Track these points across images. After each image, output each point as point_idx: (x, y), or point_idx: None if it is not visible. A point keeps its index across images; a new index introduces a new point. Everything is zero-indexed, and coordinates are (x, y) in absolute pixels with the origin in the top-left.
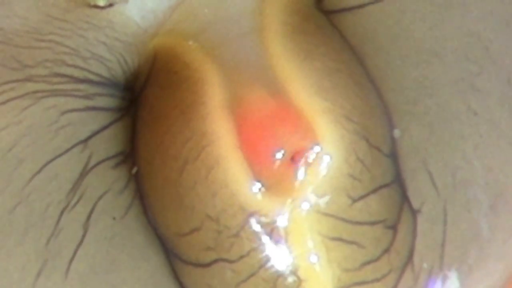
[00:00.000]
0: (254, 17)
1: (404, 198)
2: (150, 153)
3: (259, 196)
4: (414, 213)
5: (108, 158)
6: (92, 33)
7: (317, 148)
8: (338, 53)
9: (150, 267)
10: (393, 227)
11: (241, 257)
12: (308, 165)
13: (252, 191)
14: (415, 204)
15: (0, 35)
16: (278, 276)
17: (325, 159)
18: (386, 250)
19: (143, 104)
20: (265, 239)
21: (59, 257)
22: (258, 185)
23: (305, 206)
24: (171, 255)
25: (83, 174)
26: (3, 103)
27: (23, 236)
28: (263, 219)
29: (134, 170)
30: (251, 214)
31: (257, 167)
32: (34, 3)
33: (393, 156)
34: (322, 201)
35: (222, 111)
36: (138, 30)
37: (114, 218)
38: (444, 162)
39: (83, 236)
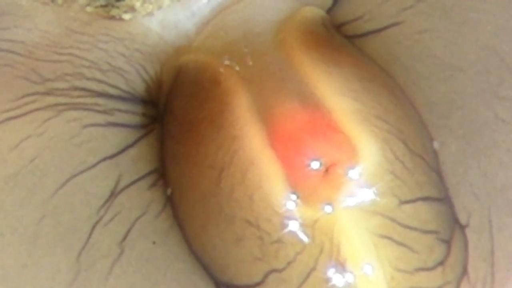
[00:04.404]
0: (278, 35)
1: (454, 216)
2: (185, 167)
3: (295, 203)
4: (463, 228)
5: (140, 178)
6: (112, 45)
7: (353, 156)
8: (368, 66)
9: None
10: (447, 242)
11: (289, 263)
12: (344, 174)
13: (287, 198)
14: (463, 219)
15: (22, 48)
16: (329, 278)
17: (362, 164)
18: (441, 263)
19: (169, 119)
20: (309, 241)
21: (93, 271)
22: (294, 196)
23: (348, 204)
24: (222, 286)
25: (115, 192)
26: (25, 114)
27: (52, 247)
28: (301, 222)
29: (169, 191)
30: (288, 218)
31: (293, 179)
32: (56, 17)
33: (439, 173)
34: (367, 198)
35: (250, 116)
36: (159, 41)
37: (154, 243)
38: (483, 171)
39: (120, 254)
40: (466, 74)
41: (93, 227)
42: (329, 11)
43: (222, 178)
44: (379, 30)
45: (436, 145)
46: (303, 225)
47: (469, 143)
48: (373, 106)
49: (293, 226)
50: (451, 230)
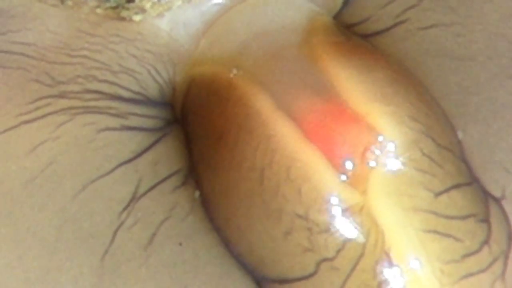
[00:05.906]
0: (297, 33)
1: (485, 193)
2: (221, 171)
3: (344, 188)
4: (498, 201)
5: (161, 181)
6: (123, 46)
7: (382, 138)
8: (396, 65)
9: None
10: (486, 221)
11: (339, 251)
12: (378, 157)
13: (333, 184)
14: (497, 193)
15: (33, 50)
16: (378, 266)
17: (391, 148)
18: (485, 242)
19: (195, 122)
20: (356, 228)
21: (118, 274)
22: (343, 179)
23: (387, 201)
24: (271, 283)
25: (136, 196)
26: (40, 118)
27: (74, 251)
28: (349, 208)
29: (197, 194)
30: (336, 205)
31: (338, 167)
32: (66, 18)
33: (465, 159)
34: (402, 196)
35: (278, 115)
36: (170, 40)
37: (180, 244)
38: (510, 147)
39: (147, 258)
40: (477, 62)
41: (115, 232)
42: (335, 16)
43: (265, 178)
44: (385, 30)
45: (460, 134)
46: (350, 212)
47: (490, 125)
48: (405, 107)
49: (341, 213)
50: (486, 207)
